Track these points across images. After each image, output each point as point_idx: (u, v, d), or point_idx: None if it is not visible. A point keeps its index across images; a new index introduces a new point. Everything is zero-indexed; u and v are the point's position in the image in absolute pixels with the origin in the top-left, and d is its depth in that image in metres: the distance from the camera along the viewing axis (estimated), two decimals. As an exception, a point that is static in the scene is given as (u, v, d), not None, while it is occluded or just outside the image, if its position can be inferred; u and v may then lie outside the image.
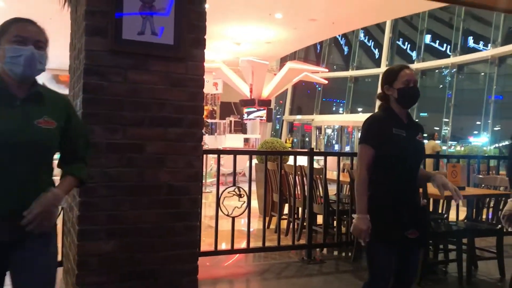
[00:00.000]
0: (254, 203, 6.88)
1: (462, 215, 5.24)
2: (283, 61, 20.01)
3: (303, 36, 14.20)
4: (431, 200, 4.60)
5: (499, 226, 4.32)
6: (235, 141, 14.52)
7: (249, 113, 17.12)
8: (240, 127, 17.32)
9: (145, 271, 2.92)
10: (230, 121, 16.85)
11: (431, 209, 4.64)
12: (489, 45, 18.32)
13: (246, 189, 4.46)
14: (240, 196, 4.47)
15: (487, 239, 4.63)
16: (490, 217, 4.75)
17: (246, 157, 4.89)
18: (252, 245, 4.62)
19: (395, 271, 2.53)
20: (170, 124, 2.94)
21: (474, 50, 19.27)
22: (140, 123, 2.88)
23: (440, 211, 4.98)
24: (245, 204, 4.39)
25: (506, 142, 17.39)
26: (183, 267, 3.00)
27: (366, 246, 2.47)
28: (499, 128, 17.67)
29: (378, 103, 2.68)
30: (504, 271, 4.13)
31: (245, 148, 13.89)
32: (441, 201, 4.90)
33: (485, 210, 4.82)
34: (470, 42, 19.64)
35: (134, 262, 2.89)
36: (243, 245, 4.57)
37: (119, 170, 2.84)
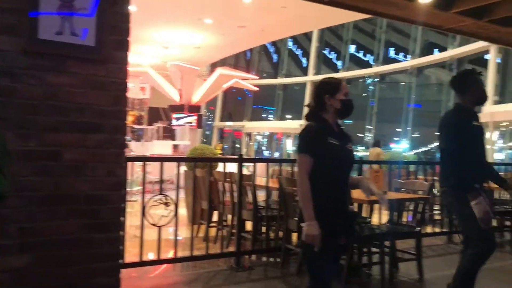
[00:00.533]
0: (183, 211, 6.74)
1: (385, 218, 5.45)
2: (213, 67, 19.97)
3: (232, 42, 14.25)
4: (356, 204, 4.74)
5: (418, 228, 4.53)
6: (163, 147, 14.20)
7: (178, 119, 16.86)
8: (169, 133, 16.98)
9: (63, 287, 2.74)
10: (158, 127, 16.46)
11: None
12: (408, 56, 19.41)
13: (174, 197, 4.35)
14: (166, 204, 4.34)
15: (407, 241, 4.84)
16: (410, 219, 4.96)
17: (175, 164, 4.77)
18: (180, 254, 4.51)
19: None
20: (89, 130, 2.79)
21: (395, 60, 20.34)
22: (57, 129, 2.70)
23: (364, 215, 5.14)
24: (173, 213, 4.28)
25: (423, 148, 18.49)
26: (104, 280, 2.85)
27: (306, 254, 2.54)
28: (417, 135, 18.75)
29: (305, 111, 2.71)
30: (422, 272, 4.33)
31: (174, 155, 13.64)
32: (365, 205, 5.06)
33: (405, 213, 5.03)
34: (391, 53, 20.72)
35: (50, 277, 2.70)
36: (171, 254, 4.44)
37: (33, 179, 2.64)
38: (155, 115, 18.07)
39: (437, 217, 6.74)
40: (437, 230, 6.33)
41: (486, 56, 15.82)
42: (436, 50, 18.78)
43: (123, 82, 2.91)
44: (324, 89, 2.60)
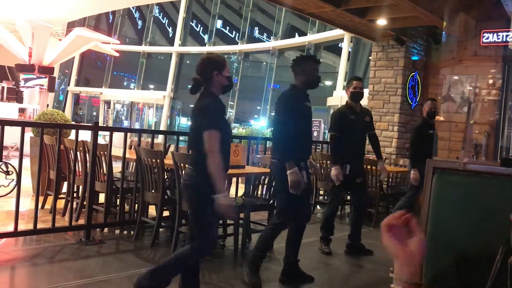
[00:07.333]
0: (28, 181, 6.16)
1: (241, 191, 5.61)
2: (70, 26, 18.41)
3: (93, 2, 13.26)
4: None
5: (271, 201, 4.75)
6: (7, 110, 12.80)
7: (26, 80, 15.28)
8: (15, 95, 15.31)
9: None
10: (3, 88, 14.74)
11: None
12: (272, 37, 20.12)
13: (17, 165, 3.92)
14: (8, 173, 3.91)
15: (261, 213, 5.06)
16: (264, 193, 5.18)
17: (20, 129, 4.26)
18: (23, 227, 4.11)
19: None
20: None
21: (259, 40, 20.92)
22: None
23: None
24: (14, 182, 3.86)
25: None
26: None
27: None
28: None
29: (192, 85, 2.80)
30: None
31: (20, 119, 12.37)
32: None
33: (260, 187, 5.23)
34: (256, 32, 21.25)
35: None
36: (11, 227, 4.03)
37: None
38: (-1, 73, 16.16)
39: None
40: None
41: (340, 45, 17.09)
42: (296, 34, 19.74)
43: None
44: (212, 65, 2.78)
